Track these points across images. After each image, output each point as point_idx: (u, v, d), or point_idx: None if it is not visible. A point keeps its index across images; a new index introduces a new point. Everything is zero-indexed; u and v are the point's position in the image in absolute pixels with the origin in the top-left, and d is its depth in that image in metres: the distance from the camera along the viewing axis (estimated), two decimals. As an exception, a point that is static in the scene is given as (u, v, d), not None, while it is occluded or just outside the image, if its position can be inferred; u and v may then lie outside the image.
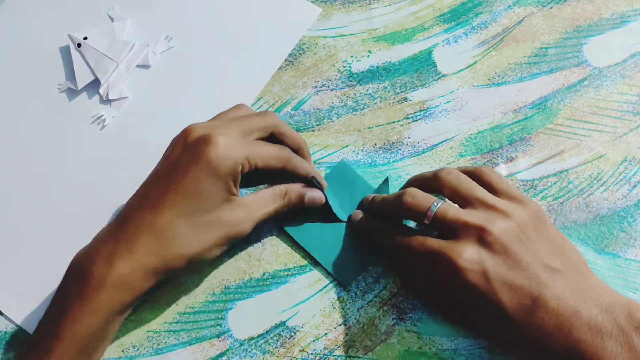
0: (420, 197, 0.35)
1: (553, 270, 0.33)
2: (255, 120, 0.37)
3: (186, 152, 0.34)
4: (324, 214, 0.40)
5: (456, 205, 0.35)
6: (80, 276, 0.33)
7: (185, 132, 0.35)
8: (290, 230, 0.40)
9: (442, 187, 0.36)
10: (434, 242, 0.34)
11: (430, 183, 0.37)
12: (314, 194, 0.39)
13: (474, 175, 0.37)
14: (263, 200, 0.37)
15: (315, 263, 0.40)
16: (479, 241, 0.33)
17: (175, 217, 0.34)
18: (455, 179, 0.36)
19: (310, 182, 0.39)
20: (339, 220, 0.40)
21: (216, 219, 0.35)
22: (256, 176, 0.40)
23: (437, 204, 0.34)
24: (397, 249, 0.36)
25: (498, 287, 0.32)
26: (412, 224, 0.40)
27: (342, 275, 0.39)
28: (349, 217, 0.40)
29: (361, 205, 0.41)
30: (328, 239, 0.40)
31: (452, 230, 0.34)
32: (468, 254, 0.32)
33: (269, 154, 0.36)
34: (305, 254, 0.40)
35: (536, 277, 0.32)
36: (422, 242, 0.35)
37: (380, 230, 0.38)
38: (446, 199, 0.36)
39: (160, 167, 0.36)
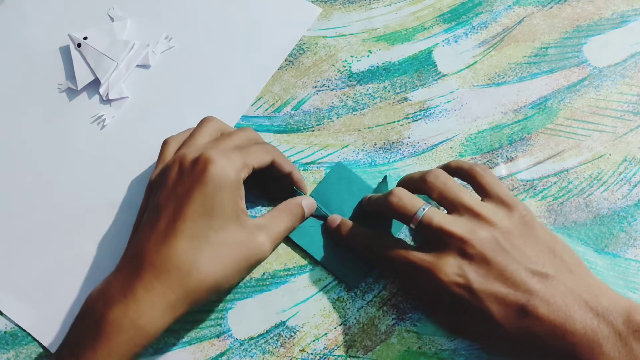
0: (406, 199, 0.35)
1: (542, 275, 0.32)
2: (239, 135, 0.37)
3: (185, 176, 0.33)
4: (321, 217, 0.40)
5: (442, 210, 0.35)
6: (94, 320, 0.31)
7: (178, 159, 0.34)
8: (293, 235, 0.40)
9: (431, 191, 0.36)
10: (416, 256, 0.34)
11: (419, 185, 0.37)
12: (309, 202, 0.39)
13: (467, 174, 0.37)
14: (280, 218, 0.37)
15: (315, 263, 0.40)
16: (461, 253, 0.33)
17: (187, 243, 0.32)
18: (442, 183, 0.35)
19: (293, 190, 0.40)
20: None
21: (232, 239, 0.33)
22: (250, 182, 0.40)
23: (424, 209, 0.34)
24: (380, 259, 0.37)
25: (484, 297, 0.32)
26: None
27: (348, 278, 0.39)
28: (326, 222, 0.40)
29: (360, 206, 0.41)
30: (331, 242, 0.40)
31: (436, 238, 0.34)
32: (450, 268, 0.33)
33: (261, 152, 0.36)
34: (305, 254, 0.40)
35: (523, 284, 0.32)
36: (404, 255, 0.35)
37: (363, 238, 0.38)
38: (433, 202, 0.36)
39: (158, 198, 0.34)
